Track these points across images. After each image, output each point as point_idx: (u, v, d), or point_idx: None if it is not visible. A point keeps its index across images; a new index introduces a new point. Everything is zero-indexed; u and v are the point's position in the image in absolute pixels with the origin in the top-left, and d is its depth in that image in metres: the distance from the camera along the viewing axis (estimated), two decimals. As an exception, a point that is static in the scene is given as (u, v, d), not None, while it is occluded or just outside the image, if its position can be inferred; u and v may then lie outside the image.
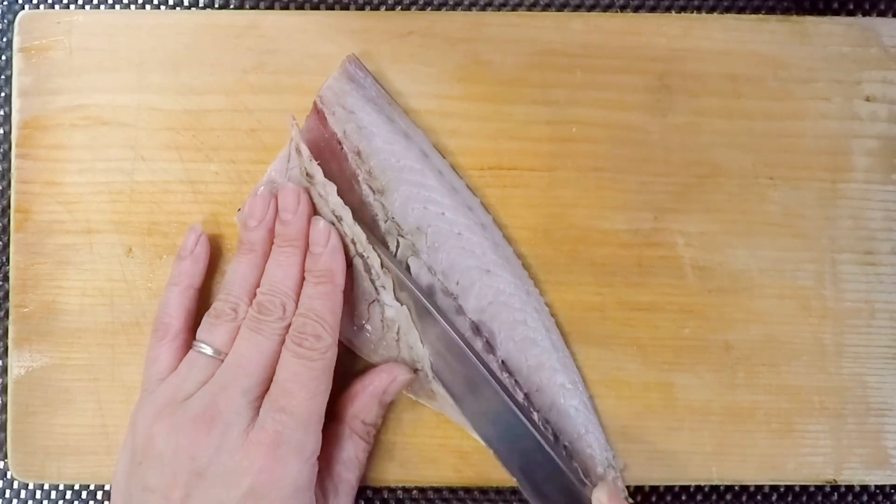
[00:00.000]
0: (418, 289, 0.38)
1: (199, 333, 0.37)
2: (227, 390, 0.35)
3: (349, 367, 0.39)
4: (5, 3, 0.44)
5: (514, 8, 0.44)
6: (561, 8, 0.44)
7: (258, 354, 0.35)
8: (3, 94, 0.44)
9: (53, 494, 0.43)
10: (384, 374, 0.38)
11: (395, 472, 0.40)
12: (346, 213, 0.37)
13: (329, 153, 0.39)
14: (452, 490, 0.43)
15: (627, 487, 0.40)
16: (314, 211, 0.38)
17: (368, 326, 0.38)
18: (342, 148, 0.40)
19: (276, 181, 0.39)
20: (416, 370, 0.38)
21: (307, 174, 0.38)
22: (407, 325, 0.38)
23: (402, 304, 0.38)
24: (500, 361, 0.39)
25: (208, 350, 0.36)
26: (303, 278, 0.37)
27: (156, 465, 0.34)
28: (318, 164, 0.38)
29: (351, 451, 0.38)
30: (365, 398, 0.38)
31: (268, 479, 0.34)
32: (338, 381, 0.37)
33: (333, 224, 0.37)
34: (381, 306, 0.38)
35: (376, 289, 0.38)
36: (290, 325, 0.36)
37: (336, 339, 0.36)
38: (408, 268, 0.39)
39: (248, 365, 0.35)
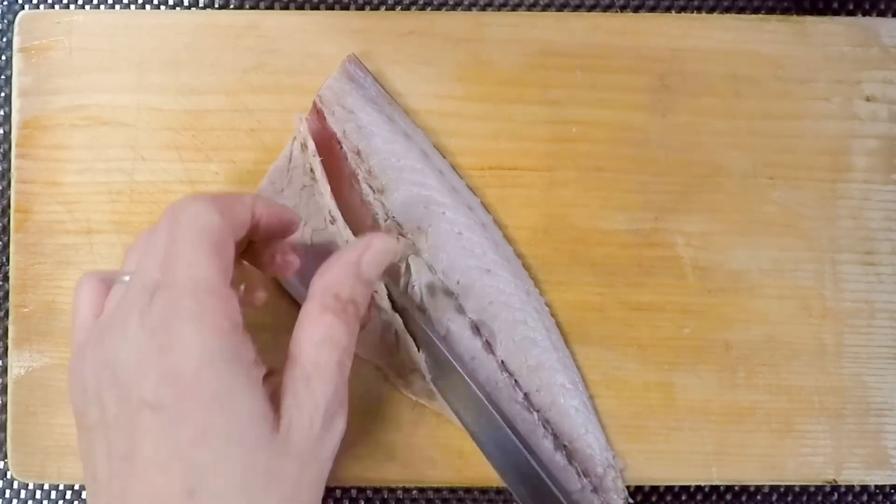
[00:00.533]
0: (411, 304, 0.38)
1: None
2: (126, 295, 0.31)
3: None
4: (5, 3, 0.44)
5: (514, 8, 0.44)
6: (561, 8, 0.44)
7: (151, 249, 0.31)
8: (3, 94, 0.44)
9: (53, 494, 0.43)
10: (359, 243, 0.34)
11: (395, 472, 0.40)
12: (338, 215, 0.37)
13: (328, 153, 0.39)
14: (452, 490, 0.43)
15: (627, 487, 0.40)
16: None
17: (369, 327, 0.38)
18: (341, 147, 0.40)
19: (276, 182, 0.39)
20: (414, 369, 0.38)
21: (311, 170, 0.38)
22: (402, 330, 0.38)
23: (394, 312, 0.38)
24: (499, 361, 0.39)
25: (126, 278, 0.32)
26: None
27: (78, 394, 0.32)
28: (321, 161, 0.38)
29: (324, 331, 0.32)
30: (337, 269, 0.33)
31: (168, 356, 0.29)
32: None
33: (329, 224, 0.38)
34: (378, 310, 0.38)
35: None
36: None
37: (235, 229, 0.32)
38: (408, 268, 0.39)
39: (142, 262, 0.31)
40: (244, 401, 0.29)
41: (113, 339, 0.31)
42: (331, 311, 0.32)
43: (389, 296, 0.38)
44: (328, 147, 0.40)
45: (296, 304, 0.40)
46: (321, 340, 0.32)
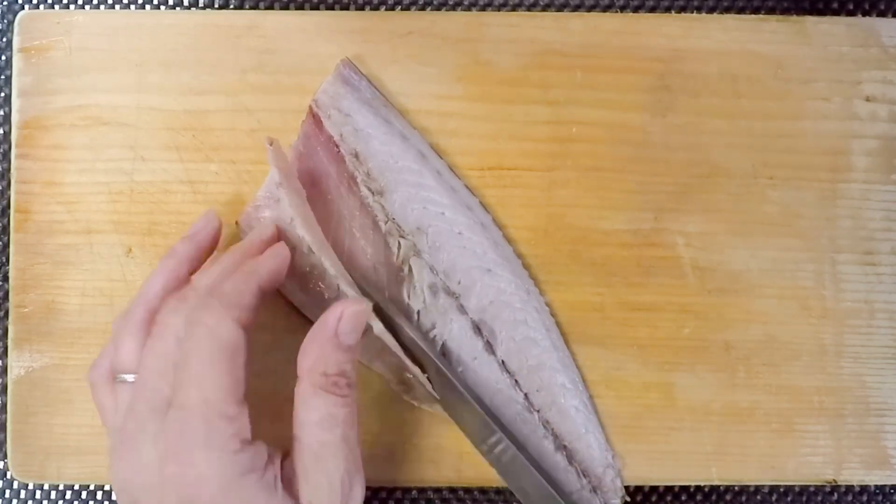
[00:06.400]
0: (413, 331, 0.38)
1: (113, 363, 0.34)
2: (132, 410, 0.32)
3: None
4: (5, 3, 0.44)
5: (514, 8, 0.44)
6: (561, 8, 0.44)
7: (158, 362, 0.32)
8: (3, 94, 0.44)
9: (53, 494, 0.43)
10: (330, 315, 0.33)
11: (395, 473, 0.40)
12: (315, 247, 0.36)
13: (326, 155, 0.39)
14: (452, 490, 0.43)
15: (627, 488, 0.40)
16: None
17: (370, 336, 0.38)
18: (339, 150, 0.40)
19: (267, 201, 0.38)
20: (410, 376, 0.38)
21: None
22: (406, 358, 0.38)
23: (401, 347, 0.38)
24: (500, 361, 0.39)
25: (126, 377, 0.34)
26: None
27: None
28: (310, 168, 0.37)
29: (322, 410, 0.32)
30: (316, 347, 0.33)
31: (183, 484, 0.30)
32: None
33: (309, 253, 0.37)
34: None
35: None
36: None
37: (247, 324, 0.32)
38: (410, 270, 0.39)
39: (149, 377, 0.32)
40: None
41: (127, 462, 0.32)
42: (322, 389, 0.32)
43: (392, 325, 0.38)
44: (327, 150, 0.40)
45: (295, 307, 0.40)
46: (321, 420, 0.32)
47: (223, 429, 0.30)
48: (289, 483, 0.32)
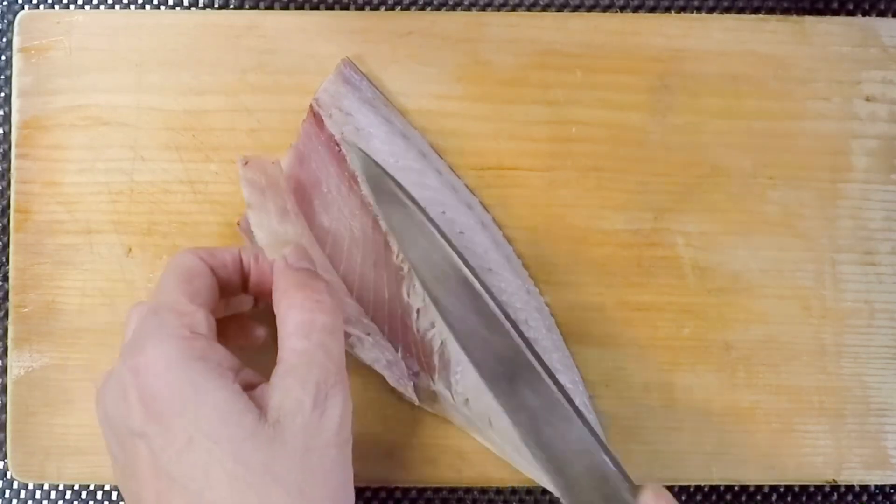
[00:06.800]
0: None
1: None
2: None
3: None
4: (5, 3, 0.44)
5: (514, 8, 0.44)
6: (561, 8, 0.44)
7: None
8: (3, 94, 0.44)
9: (53, 494, 0.43)
10: (276, 260, 0.34)
11: (395, 472, 0.40)
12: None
13: (327, 155, 0.39)
14: (452, 490, 0.43)
15: (627, 487, 0.40)
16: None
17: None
18: (340, 149, 0.40)
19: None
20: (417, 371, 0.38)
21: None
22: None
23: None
24: (500, 361, 0.39)
25: None
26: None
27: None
28: (311, 167, 0.38)
29: (297, 317, 0.32)
30: (279, 276, 0.34)
31: (137, 373, 0.30)
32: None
33: None
34: None
35: None
36: None
37: (220, 273, 0.34)
38: (410, 269, 0.39)
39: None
40: (216, 394, 0.29)
41: (102, 393, 0.32)
42: (297, 298, 0.32)
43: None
44: (328, 149, 0.40)
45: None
46: (297, 327, 0.31)
47: (172, 319, 0.31)
48: (260, 397, 0.30)
